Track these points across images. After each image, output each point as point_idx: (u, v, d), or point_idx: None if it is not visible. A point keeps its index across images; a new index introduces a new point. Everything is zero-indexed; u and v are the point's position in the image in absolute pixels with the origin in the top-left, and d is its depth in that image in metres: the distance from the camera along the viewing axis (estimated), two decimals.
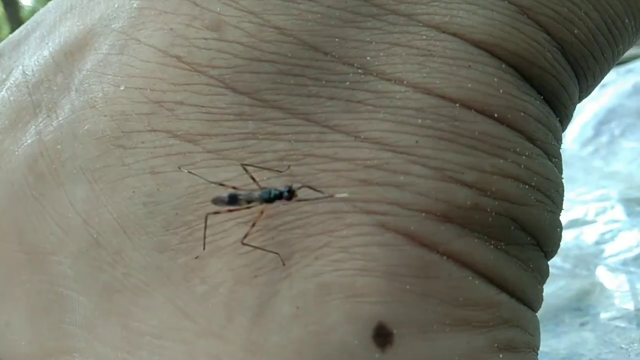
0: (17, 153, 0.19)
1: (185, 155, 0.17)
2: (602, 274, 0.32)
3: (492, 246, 0.17)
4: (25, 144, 0.19)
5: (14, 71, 0.21)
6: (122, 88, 0.18)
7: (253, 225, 0.16)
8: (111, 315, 0.17)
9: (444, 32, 0.17)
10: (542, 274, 0.19)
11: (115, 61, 0.18)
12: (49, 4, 0.23)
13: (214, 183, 0.16)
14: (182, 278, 0.16)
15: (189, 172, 0.16)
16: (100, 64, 0.18)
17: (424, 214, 0.16)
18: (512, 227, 0.17)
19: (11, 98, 0.20)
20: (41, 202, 0.18)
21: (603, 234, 0.34)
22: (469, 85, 0.16)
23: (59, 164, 0.18)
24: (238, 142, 0.17)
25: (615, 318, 0.29)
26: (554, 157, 0.18)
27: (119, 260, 0.17)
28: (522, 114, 0.17)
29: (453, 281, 0.16)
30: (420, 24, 0.17)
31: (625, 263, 0.32)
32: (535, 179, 0.17)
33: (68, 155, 0.18)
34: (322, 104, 0.17)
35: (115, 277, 0.17)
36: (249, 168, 0.16)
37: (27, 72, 0.21)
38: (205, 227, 0.16)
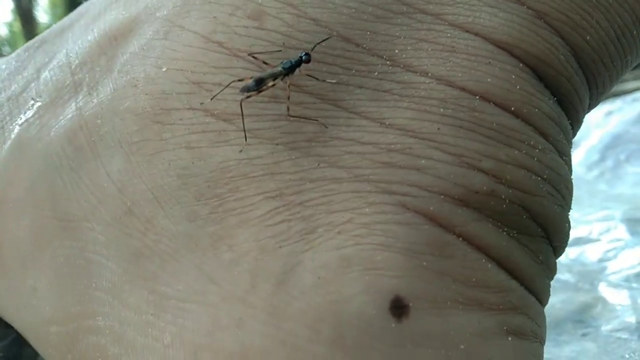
0: (56, 127, 0.21)
1: (219, 133, 0.18)
2: (605, 289, 0.32)
3: (504, 233, 0.18)
4: (65, 118, 0.20)
5: (57, 54, 0.23)
6: (164, 69, 0.19)
7: (288, 98, 0.18)
8: (138, 280, 0.18)
9: (467, 31, 0.18)
10: (550, 269, 0.19)
11: (158, 45, 0.20)
12: None
13: (236, 80, 0.18)
14: (210, 245, 0.17)
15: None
16: (144, 47, 0.20)
17: (442, 197, 0.17)
18: (524, 217, 0.18)
19: (54, 78, 0.22)
20: (78, 172, 0.19)
21: (606, 251, 0.35)
22: (489, 80, 0.18)
23: (98, 137, 0.19)
24: (270, 122, 0.18)
25: (617, 330, 0.29)
26: (564, 155, 0.19)
27: (150, 227, 0.18)
28: (537, 110, 0.18)
29: (467, 262, 0.17)
30: (446, 23, 0.18)
31: (627, 279, 0.32)
32: (547, 172, 0.18)
33: (107, 129, 0.19)
34: (350, 91, 0.18)
35: (145, 244, 0.18)
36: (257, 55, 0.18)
37: (70, 55, 0.22)
38: (243, 116, 0.18)
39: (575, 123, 0.20)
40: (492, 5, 0.18)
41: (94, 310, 0.18)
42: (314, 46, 0.18)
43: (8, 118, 0.22)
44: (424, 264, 0.16)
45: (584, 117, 0.21)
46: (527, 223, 0.18)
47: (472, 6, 0.18)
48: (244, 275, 0.17)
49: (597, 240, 0.37)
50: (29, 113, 0.22)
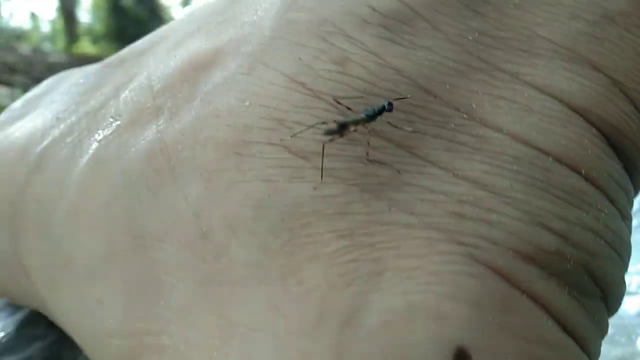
0: (135, 147, 0.21)
1: (296, 170, 0.19)
2: None
3: (567, 292, 0.18)
4: (145, 140, 0.21)
5: (137, 76, 0.24)
6: (247, 104, 0.20)
7: (368, 143, 0.18)
8: (208, 304, 0.18)
9: (544, 93, 0.19)
10: (603, 329, 0.20)
11: (242, 80, 0.20)
12: (174, 22, 0.26)
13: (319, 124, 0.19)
14: (280, 278, 0.18)
15: None
16: (228, 80, 0.21)
17: (511, 252, 0.17)
18: (586, 278, 0.18)
19: (134, 99, 0.23)
20: (155, 193, 0.20)
21: None
22: (563, 142, 0.18)
23: (177, 161, 0.20)
24: (346, 163, 0.19)
25: None
26: (626, 219, 0.20)
27: (223, 254, 0.19)
28: (606, 175, 0.19)
29: (530, 319, 0.17)
30: (524, 84, 0.19)
31: None
32: (610, 235, 0.19)
33: (187, 155, 0.20)
34: (426, 140, 0.19)
35: (216, 269, 0.19)
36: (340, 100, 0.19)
37: (152, 78, 0.23)
38: (323, 156, 0.19)
39: (637, 188, 0.21)
40: (569, 69, 0.19)
41: (160, 329, 0.19)
42: (395, 99, 0.19)
43: (86, 133, 0.23)
44: (489, 317, 0.17)
45: None
46: (588, 284, 0.18)
47: (550, 69, 0.19)
48: (311, 310, 0.17)
49: (636, 293, 0.37)
50: (108, 131, 0.23)
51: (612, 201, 0.19)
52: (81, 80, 0.26)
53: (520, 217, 0.18)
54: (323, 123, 0.19)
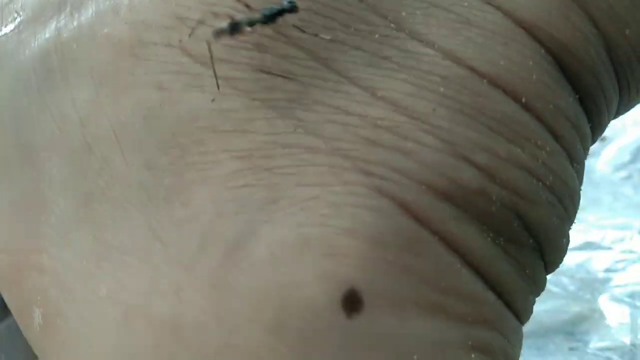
0: (32, 45, 0.19)
1: (194, 76, 0.16)
2: (605, 302, 0.30)
3: (489, 238, 0.16)
4: (42, 38, 0.19)
5: None
6: None
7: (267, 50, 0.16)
8: (86, 224, 0.17)
9: (487, 3, 0.16)
10: (537, 285, 0.18)
11: None
12: None
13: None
14: (164, 199, 0.16)
15: None
16: None
17: (424, 187, 0.15)
18: (515, 224, 0.16)
19: None
20: (44, 96, 0.18)
21: (615, 262, 0.33)
22: (502, 62, 0.15)
23: (71, 61, 0.18)
24: (250, 73, 0.16)
25: (607, 349, 0.27)
26: (576, 162, 0.17)
27: (106, 169, 0.17)
28: (552, 106, 0.16)
29: (439, 264, 0.15)
30: None
31: (632, 295, 0.30)
32: (550, 177, 0.16)
33: (81, 55, 0.18)
34: (345, 52, 0.16)
35: (98, 186, 0.17)
36: None
37: None
38: (212, 60, 0.16)
39: (596, 128, 0.18)
40: None
41: (41, 247, 0.17)
42: None
43: None
44: (389, 257, 0.15)
45: (608, 122, 0.18)
46: (517, 231, 0.16)
47: None
48: (193, 237, 0.15)
49: (608, 248, 0.35)
50: (10, 27, 0.20)
51: (557, 137, 0.16)
52: None
53: (440, 147, 0.15)
54: (214, 15, 0.16)
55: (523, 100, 0.15)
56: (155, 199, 0.16)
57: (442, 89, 0.15)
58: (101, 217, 0.16)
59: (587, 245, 0.35)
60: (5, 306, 0.20)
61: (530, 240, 0.16)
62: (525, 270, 0.17)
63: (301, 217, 0.15)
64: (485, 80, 0.15)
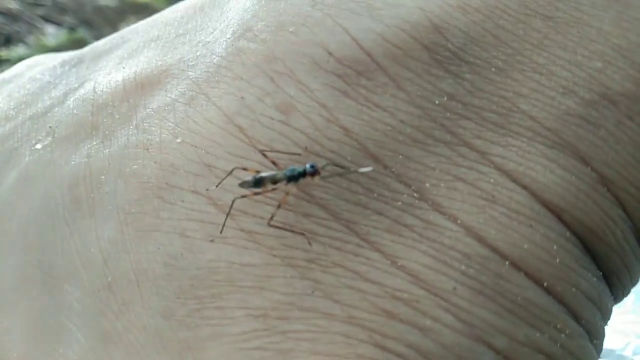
0: (62, 168, 0.19)
1: (218, 227, 0.16)
2: None
3: None
4: (74, 162, 0.19)
5: (86, 84, 0.22)
6: (179, 140, 0.18)
7: (279, 206, 0.16)
8: None
9: (514, 181, 0.16)
10: None
11: (181, 110, 0.18)
12: (138, 25, 0.23)
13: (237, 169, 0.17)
14: (177, 353, 0.16)
15: None
16: (167, 107, 0.18)
17: None
18: None
19: (75, 111, 0.21)
20: (70, 227, 0.18)
21: None
22: (525, 245, 0.15)
23: (98, 195, 0.18)
24: (273, 228, 0.16)
25: None
26: (596, 338, 0.17)
27: (125, 312, 0.17)
28: (574, 289, 0.16)
29: None
30: (492, 166, 0.16)
31: None
32: (568, 359, 0.16)
33: (109, 189, 0.18)
34: (367, 216, 0.16)
35: (115, 328, 0.17)
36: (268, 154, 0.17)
37: (97, 90, 0.21)
38: (230, 211, 0.16)
39: (618, 297, 0.18)
40: (550, 157, 0.16)
41: None
42: (325, 164, 0.16)
43: (25, 139, 0.21)
44: None
45: (632, 288, 0.18)
46: None
47: (526, 153, 0.16)
48: None
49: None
50: (43, 143, 0.21)
51: (578, 319, 0.16)
52: (38, 76, 0.24)
53: (459, 328, 0.15)
54: (244, 169, 0.16)
55: (544, 284, 0.15)
56: (169, 350, 0.16)
57: (463, 267, 0.15)
58: None
59: (609, 353, 0.34)
60: None
61: None
62: None
63: None
64: (507, 262, 0.15)
